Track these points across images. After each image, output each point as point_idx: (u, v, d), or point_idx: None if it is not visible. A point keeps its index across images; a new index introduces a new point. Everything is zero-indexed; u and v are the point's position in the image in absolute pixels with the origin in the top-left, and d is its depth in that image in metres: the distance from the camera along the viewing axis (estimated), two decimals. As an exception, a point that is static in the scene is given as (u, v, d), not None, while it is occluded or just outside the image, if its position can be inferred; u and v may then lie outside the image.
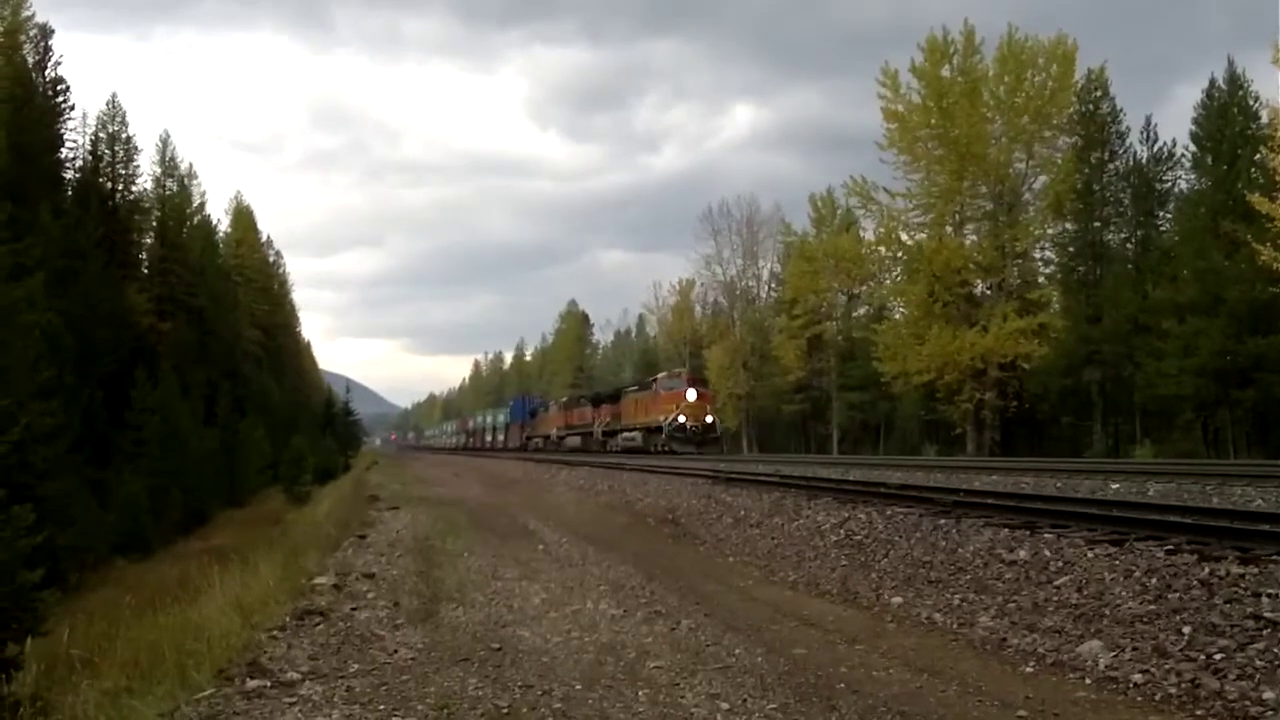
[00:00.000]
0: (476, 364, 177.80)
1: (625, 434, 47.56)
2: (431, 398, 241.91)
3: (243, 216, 77.94)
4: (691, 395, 42.36)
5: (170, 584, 14.81)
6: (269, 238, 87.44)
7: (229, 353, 58.49)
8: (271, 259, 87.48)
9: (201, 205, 61.91)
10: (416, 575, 10.83)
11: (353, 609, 8.59)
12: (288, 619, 8.00)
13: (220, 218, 72.08)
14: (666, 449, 40.79)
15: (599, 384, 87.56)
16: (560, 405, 65.91)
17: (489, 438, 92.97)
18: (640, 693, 5.85)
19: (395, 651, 7.00)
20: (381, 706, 5.60)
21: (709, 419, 42.66)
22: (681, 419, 41.19)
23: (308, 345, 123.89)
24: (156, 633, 9.01)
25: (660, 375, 47.75)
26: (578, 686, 6.01)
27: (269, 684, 5.97)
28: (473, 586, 9.93)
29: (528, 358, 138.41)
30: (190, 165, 69.01)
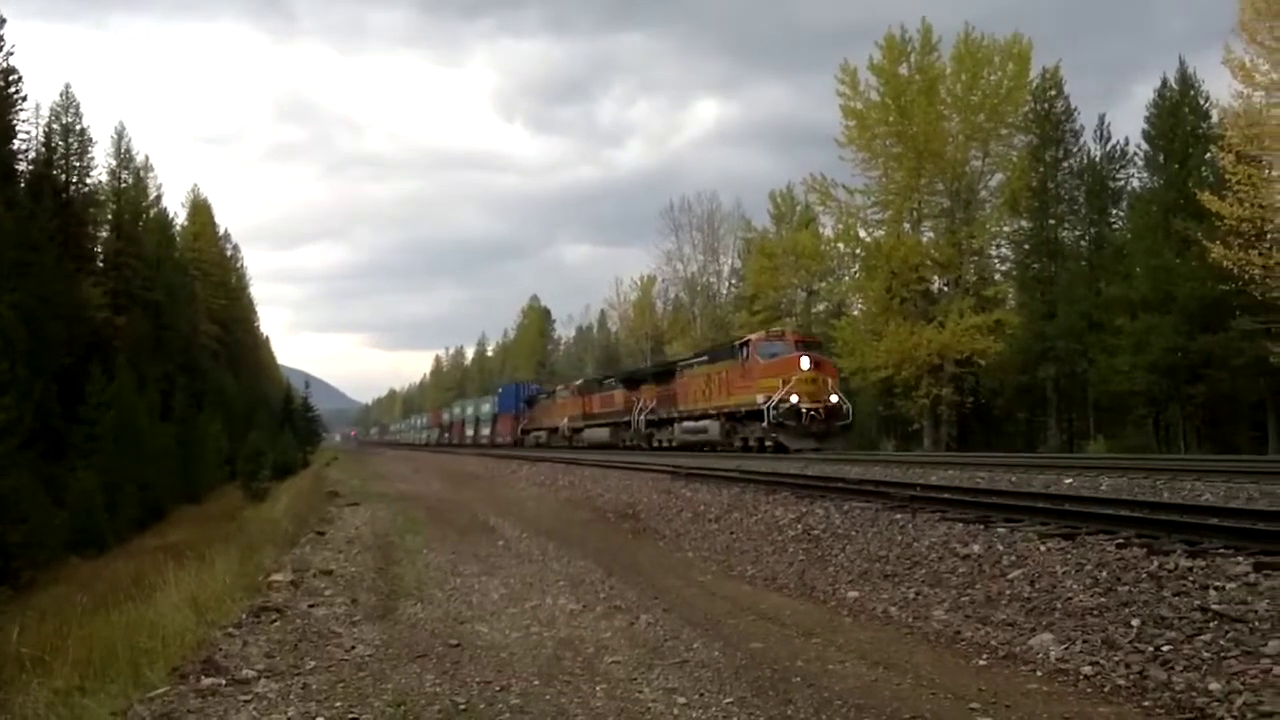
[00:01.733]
0: (438, 359, 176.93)
1: (687, 424, 36.01)
2: (392, 393, 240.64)
3: (200, 210, 77.10)
4: (805, 364, 29.51)
5: (125, 581, 14.63)
6: (227, 231, 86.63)
7: (185, 347, 57.84)
8: (229, 253, 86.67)
9: (158, 198, 61.17)
10: (375, 572, 10.79)
11: (310, 606, 8.55)
12: (244, 616, 7.95)
13: (177, 211, 71.33)
14: (769, 444, 29.33)
15: (561, 379, 78.63)
16: (575, 390, 54.29)
17: (469, 432, 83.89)
18: (598, 688, 5.88)
19: (352, 648, 6.98)
20: (338, 704, 5.58)
21: (834, 398, 29.55)
22: (794, 399, 28.59)
23: (266, 340, 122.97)
24: (110, 630, 8.90)
25: (753, 336, 33.18)
26: (535, 682, 6.02)
27: (224, 682, 5.93)
28: (431, 583, 9.91)
29: (489, 353, 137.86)
30: (146, 158, 68.32)
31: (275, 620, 7.84)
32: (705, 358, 36.83)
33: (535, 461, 34.58)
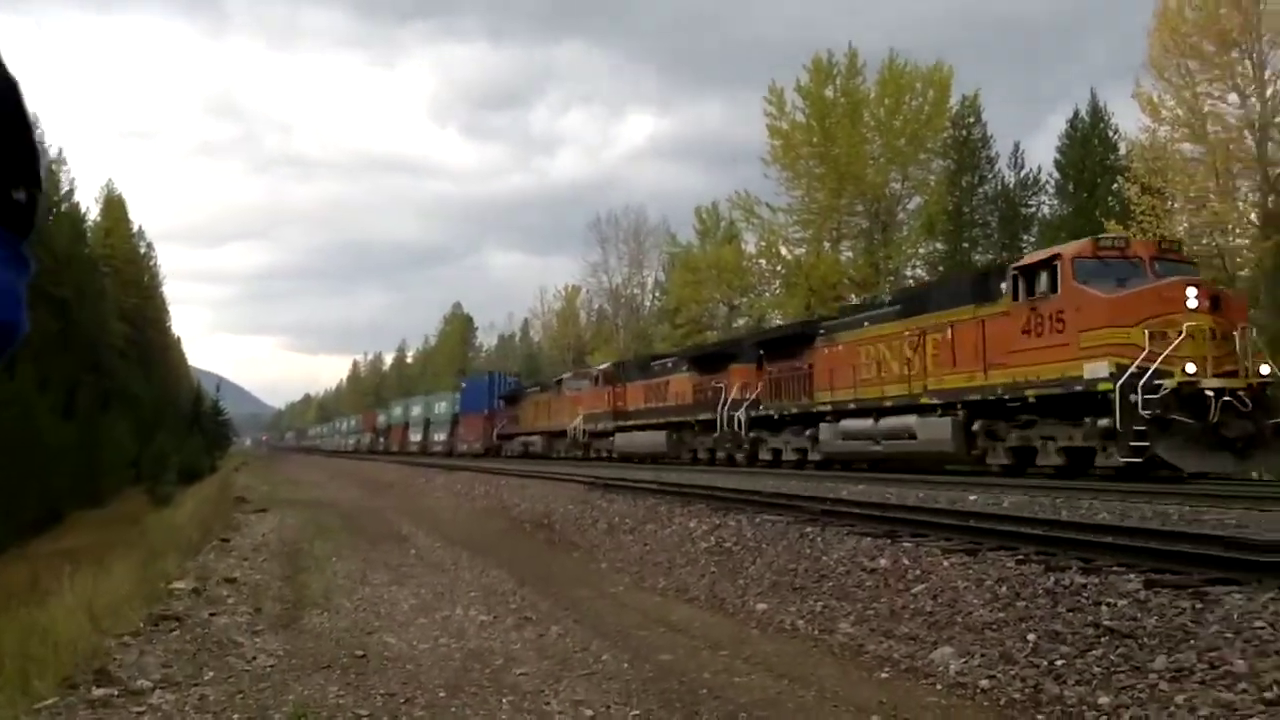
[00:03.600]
0: (356, 364, 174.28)
1: (850, 423, 22.72)
2: (308, 398, 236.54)
3: (114, 206, 74.99)
4: (1194, 299, 15.85)
5: (17, 587, 14.14)
6: (141, 228, 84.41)
7: (93, 346, 56.18)
8: (143, 250, 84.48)
9: (70, 192, 59.31)
10: (281, 580, 10.61)
11: (211, 614, 8.37)
12: (141, 624, 7.75)
13: (90, 206, 69.30)
14: (1122, 464, 15.63)
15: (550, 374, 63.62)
16: (600, 377, 40.47)
17: (416, 438, 70.98)
18: (505, 700, 5.85)
19: (254, 658, 6.85)
20: (236, 716, 5.47)
21: (1265, 368, 15.96)
22: (1189, 369, 15.35)
23: (178, 341, 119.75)
24: (-1, 638, 8.62)
25: (1063, 249, 17.82)
26: (442, 694, 5.97)
27: (116, 692, 5.78)
28: (340, 592, 9.77)
29: (409, 359, 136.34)
30: (60, 151, 66.20)
31: (174, 629, 7.66)
32: (890, 303, 23.70)
33: (452, 470, 34.26)
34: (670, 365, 34.92)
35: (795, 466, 25.19)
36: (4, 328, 1.47)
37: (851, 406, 22.71)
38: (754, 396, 27.56)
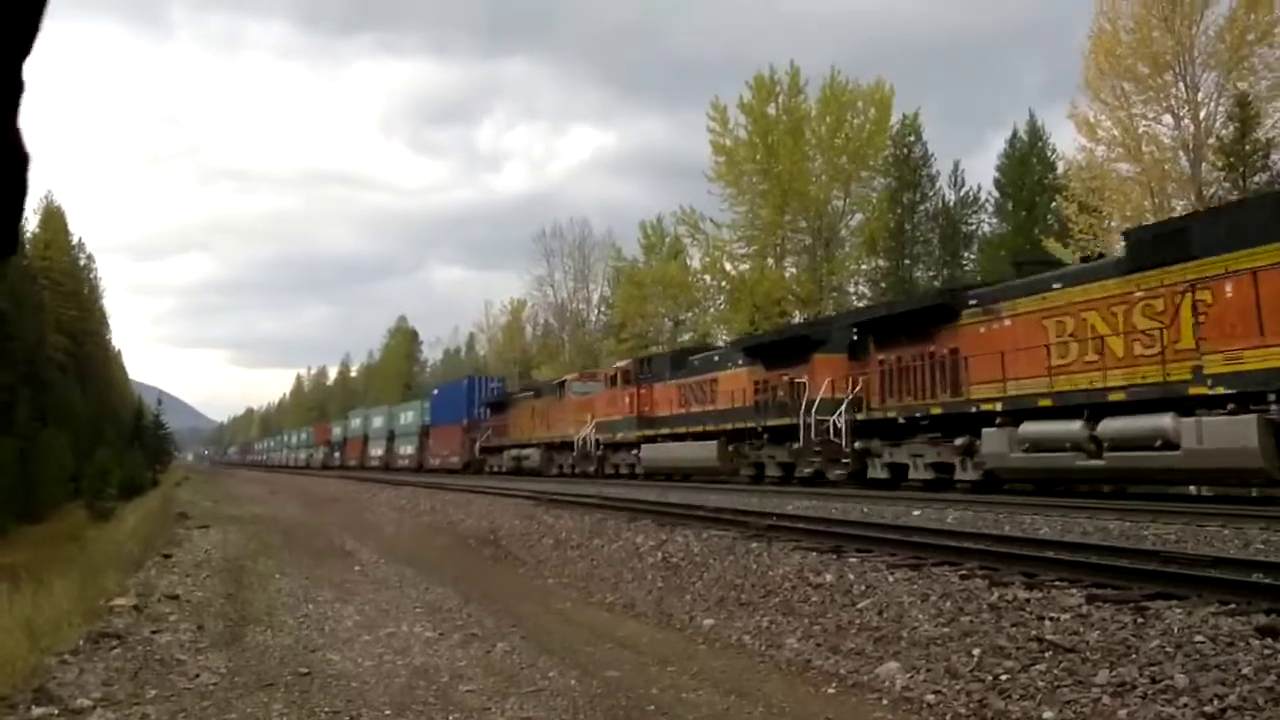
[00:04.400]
0: (299, 378, 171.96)
1: (1118, 422, 15.20)
2: (250, 412, 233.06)
3: (53, 217, 73.60)
4: None
5: (-50, 606, 13.79)
6: (81, 240, 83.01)
7: (31, 359, 55.03)
8: (83, 262, 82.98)
9: (8, 204, 58.11)
10: (224, 597, 10.45)
11: (153, 632, 8.22)
12: (81, 642, 7.60)
13: (29, 218, 67.92)
14: None
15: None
16: (617, 377, 34.03)
17: (376, 452, 66.43)
18: (451, 717, 5.81)
19: (196, 676, 6.74)
20: (179, 735, 5.39)
21: None
22: None
23: (118, 354, 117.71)
24: (-69, 659, 8.40)
25: None
26: (387, 711, 5.92)
27: (56, 712, 5.67)
28: (283, 609, 9.64)
29: (353, 373, 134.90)
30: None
31: (115, 647, 7.52)
32: (1097, 257, 19.24)
33: (397, 485, 33.95)
34: (717, 359, 28.65)
35: (935, 488, 19.17)
36: None
37: (1042, 404, 16.77)
38: (854, 394, 21.72)
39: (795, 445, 23.19)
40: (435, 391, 57.94)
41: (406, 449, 58.79)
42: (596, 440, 34.40)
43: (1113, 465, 15.35)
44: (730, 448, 26.80)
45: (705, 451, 27.33)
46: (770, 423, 24.66)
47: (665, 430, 30.19)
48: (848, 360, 22.48)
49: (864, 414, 21.41)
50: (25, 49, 1.27)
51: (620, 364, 35.31)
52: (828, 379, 22.51)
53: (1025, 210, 36.70)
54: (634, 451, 31.86)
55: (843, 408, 21.58)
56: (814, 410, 22.34)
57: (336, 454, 79.03)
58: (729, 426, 26.34)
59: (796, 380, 23.79)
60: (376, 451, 66.38)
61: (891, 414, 20.61)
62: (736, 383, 26.71)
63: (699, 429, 28.02)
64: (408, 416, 60.89)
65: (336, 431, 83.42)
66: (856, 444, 21.28)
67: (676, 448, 29.12)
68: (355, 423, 75.04)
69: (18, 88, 1.30)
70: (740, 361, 26.95)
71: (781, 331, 29.50)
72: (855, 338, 22.50)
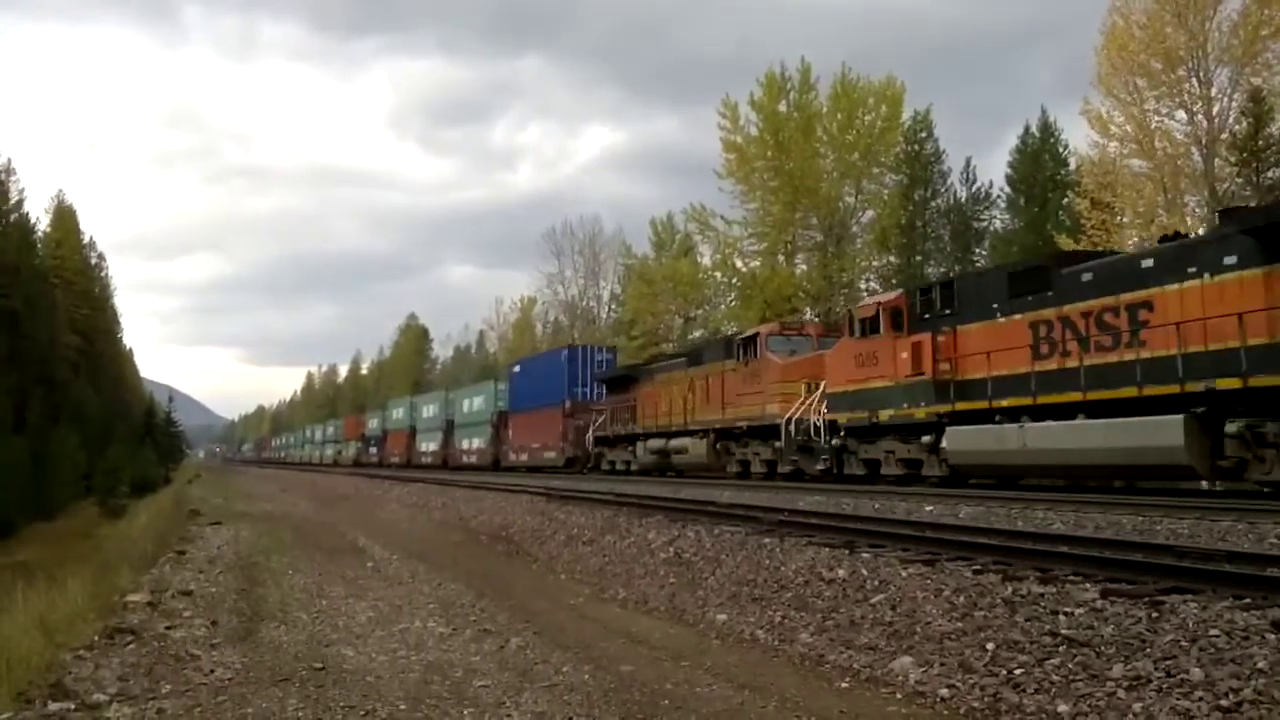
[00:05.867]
0: (310, 376, 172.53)
1: None
2: (261, 409, 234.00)
3: (64, 216, 73.91)
4: None
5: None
6: (92, 239, 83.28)
7: (43, 358, 55.26)
8: (94, 261, 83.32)
9: (19, 203, 58.35)
10: (237, 593, 10.49)
11: (167, 627, 8.26)
12: (96, 638, 7.63)
13: (40, 217, 68.20)
14: None
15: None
16: (866, 324, 20.70)
17: (427, 447, 56.90)
18: (466, 712, 5.82)
19: (211, 671, 6.77)
20: (195, 729, 5.42)
21: None
22: None
23: (129, 352, 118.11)
24: (-53, 654, 8.45)
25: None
26: (402, 706, 5.93)
27: (73, 706, 5.69)
28: (296, 605, 9.68)
29: (364, 371, 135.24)
30: (9, 161, 65.07)
31: (130, 642, 7.55)
32: None
33: (407, 482, 34.04)
34: (1152, 268, 14.72)
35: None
36: None
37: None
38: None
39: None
40: (515, 368, 46.88)
41: (474, 442, 48.22)
42: (821, 421, 21.97)
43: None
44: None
45: (1152, 434, 14.07)
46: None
47: (1006, 401, 16.88)
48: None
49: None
50: None
51: (884, 297, 22.04)
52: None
53: (1038, 206, 36.63)
54: (925, 439, 18.82)
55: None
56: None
57: (373, 450, 69.93)
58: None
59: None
60: (429, 446, 56.61)
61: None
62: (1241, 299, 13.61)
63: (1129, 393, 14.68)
64: (474, 402, 49.86)
65: (373, 424, 73.50)
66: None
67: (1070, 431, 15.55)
68: (397, 413, 65.58)
69: None
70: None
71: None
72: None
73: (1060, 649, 6.10)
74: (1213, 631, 5.75)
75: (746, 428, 25.31)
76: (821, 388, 22.18)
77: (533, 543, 15.11)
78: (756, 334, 25.61)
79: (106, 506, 39.05)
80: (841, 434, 21.04)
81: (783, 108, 42.03)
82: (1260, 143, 25.98)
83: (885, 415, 19.78)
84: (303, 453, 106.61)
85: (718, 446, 26.80)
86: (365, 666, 7.00)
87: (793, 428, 22.73)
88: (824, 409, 21.85)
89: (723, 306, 50.89)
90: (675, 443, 28.95)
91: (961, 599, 7.44)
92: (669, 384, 30.12)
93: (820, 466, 21.93)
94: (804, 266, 44.07)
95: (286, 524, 20.23)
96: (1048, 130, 38.45)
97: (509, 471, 39.88)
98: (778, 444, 23.38)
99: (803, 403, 22.67)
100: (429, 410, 59.18)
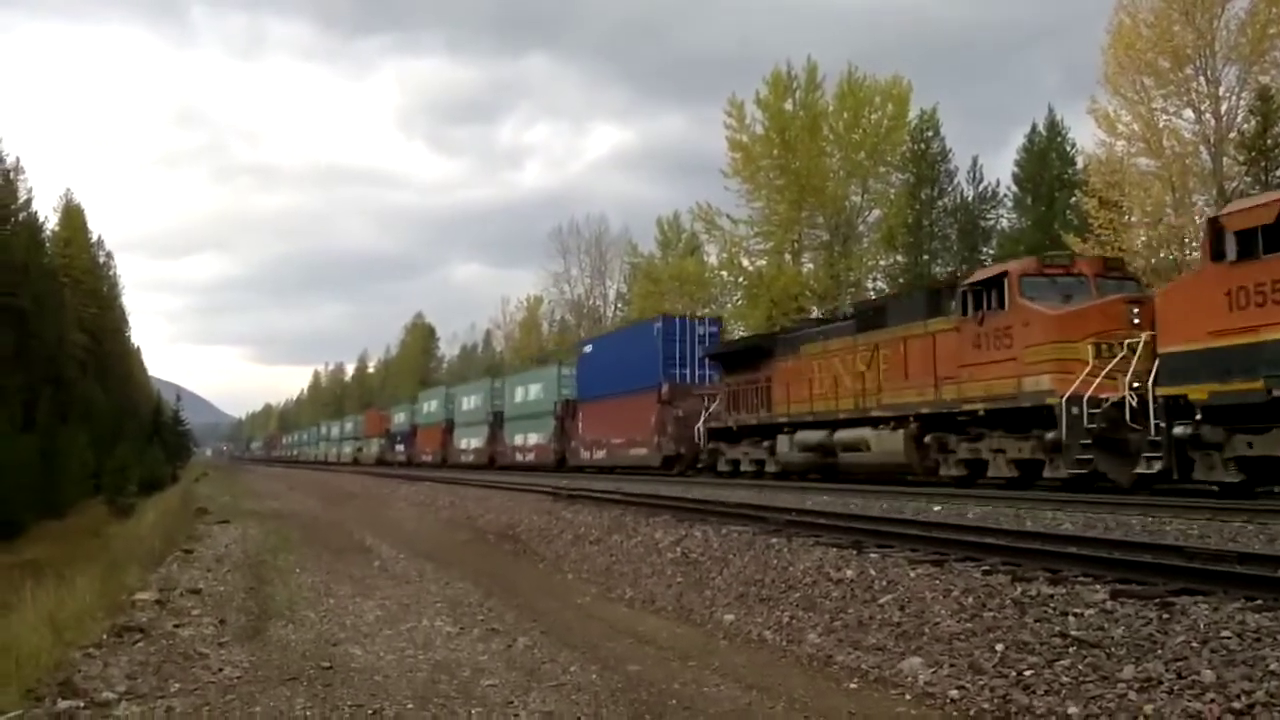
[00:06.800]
0: (317, 374, 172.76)
1: None
2: (268, 408, 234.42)
3: (72, 215, 74.06)
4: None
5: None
6: (100, 238, 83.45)
7: (52, 357, 55.39)
8: (103, 260, 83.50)
9: (28, 201, 58.44)
10: (245, 592, 10.51)
11: (175, 626, 8.27)
12: (105, 636, 7.65)
13: (49, 215, 68.35)
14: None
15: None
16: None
17: (470, 443, 49.65)
18: (473, 711, 5.82)
19: (220, 670, 6.78)
20: (203, 728, 5.42)
21: None
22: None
23: (137, 351, 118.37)
24: (-44, 652, 8.47)
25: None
26: (410, 705, 5.93)
27: (82, 704, 5.70)
28: (304, 603, 9.69)
29: (370, 369, 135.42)
30: (17, 160, 65.19)
31: (139, 640, 7.57)
32: None
33: (415, 481, 34.06)
34: None
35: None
36: None
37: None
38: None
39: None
40: (587, 349, 39.52)
41: (529, 438, 41.45)
42: (1171, 400, 13.94)
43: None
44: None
45: None
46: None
47: None
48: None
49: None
50: None
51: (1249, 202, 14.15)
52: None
53: (1045, 205, 36.55)
54: None
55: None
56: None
57: (400, 447, 63.71)
58: None
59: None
60: (471, 443, 49.37)
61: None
62: None
63: None
64: (530, 391, 42.83)
65: (399, 419, 66.83)
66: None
67: None
68: (430, 406, 58.47)
69: None
70: None
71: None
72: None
73: (1070, 650, 6.07)
74: (1224, 633, 5.71)
75: (983, 412, 17.81)
76: (1142, 347, 15.11)
77: (540, 542, 15.12)
78: (1004, 273, 17.78)
79: (115, 505, 39.18)
80: (1197, 417, 13.46)
81: (789, 107, 42.10)
82: (1269, 141, 25.89)
83: None
84: (317, 450, 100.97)
85: (925, 440, 19.43)
86: (373, 665, 7.01)
87: (1079, 410, 15.55)
88: (1152, 380, 14.42)
89: (729, 305, 50.91)
90: (845, 435, 21.74)
91: (970, 600, 7.41)
92: (827, 355, 22.86)
93: (1144, 469, 14.50)
94: (810, 265, 44.14)
95: (294, 523, 20.27)
96: (1055, 129, 38.41)
97: (577, 472, 33.58)
98: (1049, 435, 16.26)
99: (1097, 371, 15.52)
100: (470, 401, 50.70)
